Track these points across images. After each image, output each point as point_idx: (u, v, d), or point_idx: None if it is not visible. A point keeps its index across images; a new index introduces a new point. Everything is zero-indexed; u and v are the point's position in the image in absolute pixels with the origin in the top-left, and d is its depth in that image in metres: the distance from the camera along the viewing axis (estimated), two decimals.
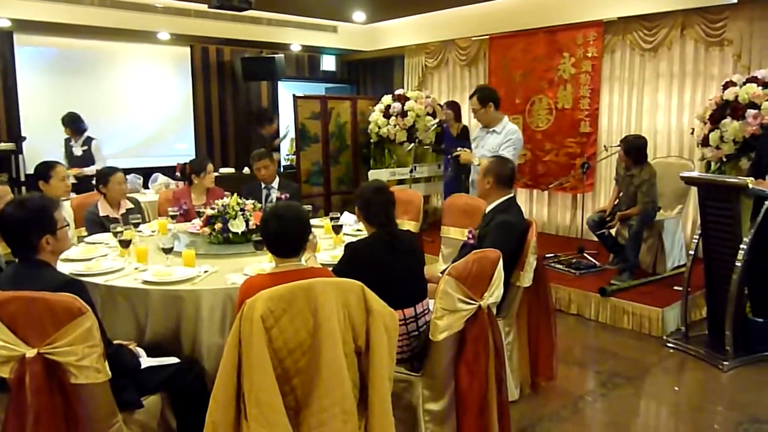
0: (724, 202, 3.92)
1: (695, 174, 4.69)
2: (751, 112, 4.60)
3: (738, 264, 3.79)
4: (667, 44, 5.96)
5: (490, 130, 4.73)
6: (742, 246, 3.80)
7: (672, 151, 5.98)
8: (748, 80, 4.77)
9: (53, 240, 2.31)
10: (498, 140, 4.64)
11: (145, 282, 2.79)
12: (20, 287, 2.09)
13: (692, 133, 5.41)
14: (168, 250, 3.12)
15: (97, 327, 2.07)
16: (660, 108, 6.13)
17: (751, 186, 3.68)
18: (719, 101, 4.89)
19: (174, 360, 2.60)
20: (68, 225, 2.53)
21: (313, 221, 4.17)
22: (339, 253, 2.91)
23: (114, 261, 3.17)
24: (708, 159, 5.07)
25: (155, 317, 2.73)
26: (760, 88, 4.64)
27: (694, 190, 4.68)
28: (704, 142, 5.00)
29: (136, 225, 3.84)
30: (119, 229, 3.38)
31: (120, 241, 3.31)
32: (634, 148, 5.04)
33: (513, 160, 4.19)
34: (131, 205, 4.31)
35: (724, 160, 4.90)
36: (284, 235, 2.36)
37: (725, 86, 4.91)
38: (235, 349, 1.99)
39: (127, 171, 6.55)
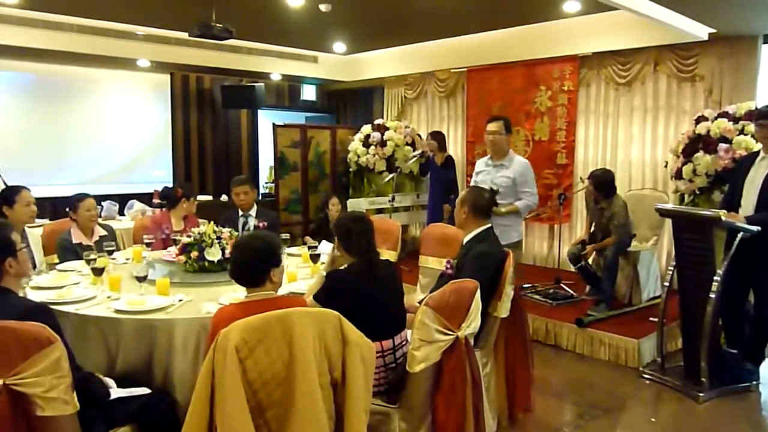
0: (697, 234, 3.99)
1: (669, 206, 4.76)
2: (722, 146, 4.71)
3: (712, 296, 3.84)
4: (640, 79, 6.11)
5: (498, 163, 4.52)
6: (716, 278, 3.85)
7: (646, 183, 6.08)
8: (720, 115, 4.90)
9: (15, 263, 2.28)
10: (508, 174, 4.47)
11: (118, 311, 2.74)
12: None
13: (666, 166, 5.51)
14: (142, 279, 3.06)
15: (66, 357, 2.01)
16: (634, 141, 6.26)
17: (723, 218, 3.74)
18: (692, 135, 5.01)
19: (145, 390, 2.53)
20: (26, 247, 2.47)
21: (290, 250, 4.18)
22: (313, 281, 2.88)
23: (86, 289, 3.10)
24: (681, 191, 5.16)
25: (127, 347, 2.67)
26: (731, 123, 4.77)
27: (668, 221, 4.75)
28: (678, 175, 5.10)
29: (110, 252, 3.77)
30: (92, 256, 3.32)
31: (93, 269, 3.25)
32: (603, 183, 5.08)
33: (536, 195, 4.56)
34: (105, 232, 4.24)
35: (698, 192, 5.00)
36: (246, 266, 2.36)
37: (697, 121, 5.04)
38: (208, 380, 1.94)
39: (102, 197, 6.51)
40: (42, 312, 2.18)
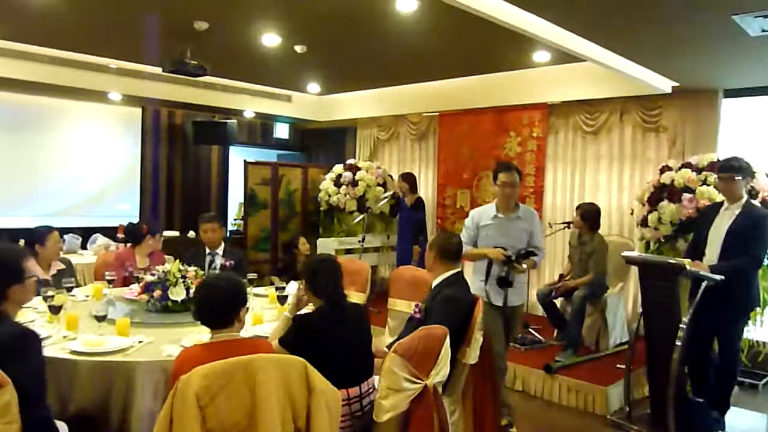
0: (663, 282, 4.02)
1: (636, 254, 4.83)
2: (686, 195, 4.82)
3: (678, 343, 3.86)
4: (607, 128, 6.27)
5: (513, 216, 3.95)
6: (681, 325, 3.88)
7: (613, 230, 6.18)
8: (683, 165, 5.03)
9: (20, 290, 2.27)
10: (525, 227, 3.96)
11: (73, 352, 2.63)
12: None
13: (632, 214, 5.62)
14: (101, 318, 2.96)
15: (16, 402, 1.91)
16: (601, 188, 6.38)
17: (688, 267, 3.80)
18: (657, 184, 5.12)
19: None
20: (35, 276, 2.48)
21: (257, 290, 4.10)
22: (277, 324, 2.82)
23: (42, 328, 2.97)
24: (647, 239, 5.25)
25: (82, 390, 2.56)
26: (694, 173, 4.89)
27: (634, 268, 4.81)
28: (643, 223, 5.19)
29: (69, 289, 3.64)
30: (50, 293, 3.20)
31: (50, 307, 3.13)
32: (590, 213, 5.25)
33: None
34: (63, 266, 4.11)
35: (663, 240, 5.08)
36: (213, 306, 2.32)
37: (662, 170, 5.16)
38: (166, 428, 1.86)
39: (65, 230, 6.35)
40: (29, 339, 2.12)
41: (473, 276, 3.94)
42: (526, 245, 3.87)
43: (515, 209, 3.96)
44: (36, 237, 3.99)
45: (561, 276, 5.48)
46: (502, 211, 3.95)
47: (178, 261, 3.62)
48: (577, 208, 5.42)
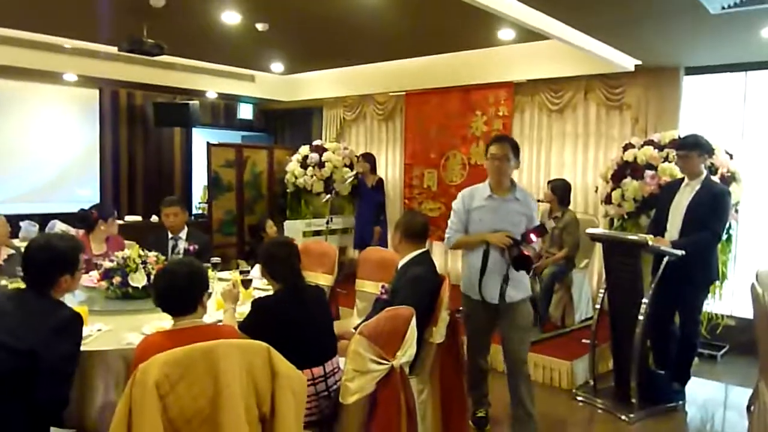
0: (626, 258, 4.09)
1: (600, 231, 4.90)
2: (648, 172, 4.88)
3: (641, 318, 3.93)
4: (572, 106, 6.31)
5: (508, 197, 3.43)
6: (644, 300, 3.95)
7: (578, 207, 6.23)
8: (646, 143, 5.09)
9: (71, 280, 2.44)
10: (523, 210, 3.44)
11: None
12: (28, 318, 2.23)
13: (596, 191, 5.68)
14: None
15: None
16: (566, 166, 6.43)
17: (650, 243, 3.86)
18: (620, 162, 5.18)
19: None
20: (84, 268, 2.66)
21: (221, 274, 4.04)
22: (248, 309, 2.78)
23: None
24: (611, 216, 5.32)
25: None
26: (656, 150, 4.95)
27: (599, 245, 4.87)
28: (607, 200, 5.25)
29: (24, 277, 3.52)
30: (2, 281, 3.09)
31: None
32: (559, 187, 5.33)
33: None
34: (12, 251, 3.97)
35: (626, 217, 5.15)
36: (175, 293, 2.28)
37: (625, 148, 5.22)
38: (125, 418, 1.81)
39: (22, 217, 6.15)
40: (78, 322, 2.33)
41: (466, 269, 3.52)
42: (523, 227, 3.37)
43: (511, 189, 3.43)
44: None
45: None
46: (496, 191, 3.42)
47: (137, 246, 3.52)
48: (548, 182, 5.50)
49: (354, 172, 7.01)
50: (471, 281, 3.46)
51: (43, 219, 6.41)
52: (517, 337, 3.50)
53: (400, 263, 3.34)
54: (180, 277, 2.31)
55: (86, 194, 7.71)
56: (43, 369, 2.14)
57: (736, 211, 4.86)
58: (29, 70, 6.52)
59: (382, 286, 3.37)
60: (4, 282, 3.09)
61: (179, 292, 2.29)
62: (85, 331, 2.67)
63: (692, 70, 5.58)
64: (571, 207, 6.20)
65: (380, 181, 6.95)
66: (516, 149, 3.43)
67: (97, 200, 7.70)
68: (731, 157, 4.85)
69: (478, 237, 3.39)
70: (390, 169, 7.90)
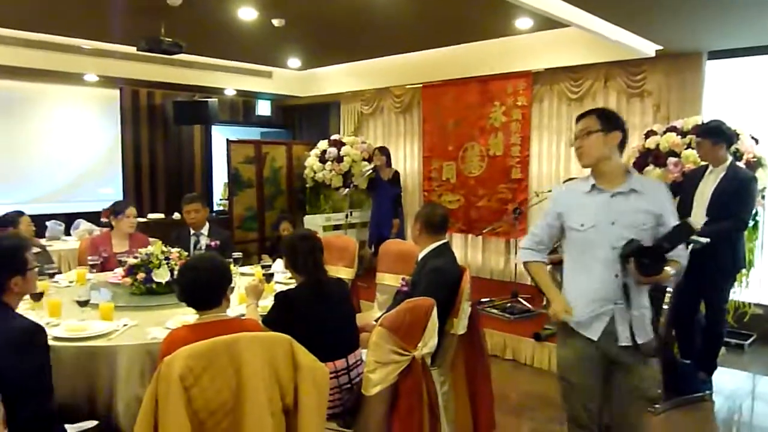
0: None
1: None
2: (671, 159, 4.80)
3: (665, 307, 3.88)
4: (592, 95, 6.23)
5: (621, 189, 2.41)
6: (668, 289, 3.90)
7: None
8: (668, 130, 5.01)
9: (22, 282, 2.23)
10: (645, 207, 2.38)
11: (56, 338, 2.58)
12: None
13: None
14: (84, 303, 2.91)
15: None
16: None
17: None
18: (642, 149, 5.10)
19: (91, 423, 2.39)
20: (38, 267, 2.46)
21: (243, 269, 4.07)
22: (270, 303, 2.80)
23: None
24: None
25: (65, 377, 2.50)
26: (679, 137, 4.87)
27: None
28: None
29: (52, 275, 3.59)
30: None
31: (31, 294, 3.07)
32: None
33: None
34: (38, 249, 4.04)
35: None
36: (199, 287, 2.29)
37: (647, 135, 5.14)
38: (151, 411, 1.84)
39: (47, 217, 6.25)
40: (36, 332, 2.09)
41: (570, 291, 2.49)
42: (651, 235, 2.36)
43: (625, 178, 2.43)
44: (7, 222, 3.93)
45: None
46: (600, 182, 2.46)
47: (160, 242, 3.57)
48: (564, 182, 5.38)
49: (372, 166, 7.02)
50: (585, 310, 2.41)
51: (67, 218, 6.51)
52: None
53: (420, 255, 3.33)
54: (203, 272, 2.32)
55: (109, 193, 7.82)
56: (12, 389, 1.93)
57: (763, 197, 4.76)
58: (50, 71, 6.63)
59: (403, 279, 3.37)
60: None
61: (203, 286, 2.30)
62: (111, 326, 2.73)
63: (715, 54, 5.46)
64: None
65: (396, 174, 6.92)
66: (608, 118, 2.49)
67: (120, 198, 7.81)
68: (757, 142, 4.75)
69: (546, 287, 2.57)
70: (408, 162, 7.89)
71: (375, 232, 6.85)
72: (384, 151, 6.96)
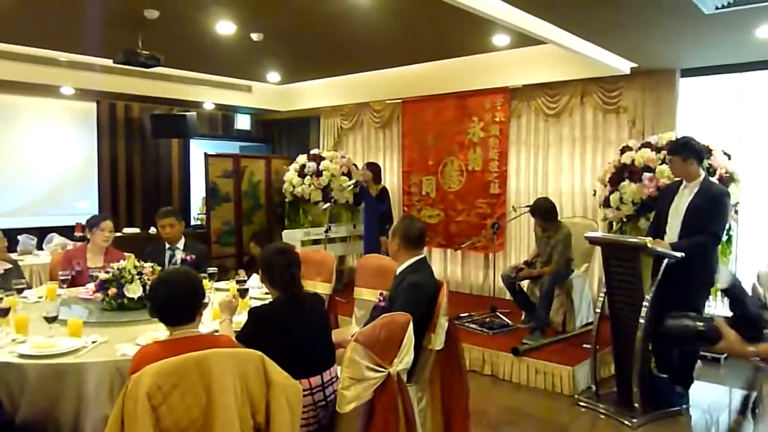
0: (625, 261, 4.07)
1: (598, 234, 4.87)
2: (646, 175, 4.86)
3: (641, 321, 3.90)
4: (568, 111, 6.30)
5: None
6: (644, 303, 3.92)
7: (577, 212, 6.22)
8: (643, 145, 5.07)
9: None
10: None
11: (21, 356, 2.51)
12: None
13: (594, 195, 5.65)
14: (51, 319, 2.84)
15: None
16: (564, 170, 6.41)
17: (649, 245, 3.84)
18: (617, 165, 5.15)
19: None
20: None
21: (218, 284, 4.01)
22: (244, 318, 2.75)
23: None
24: (610, 219, 5.29)
25: (32, 395, 2.44)
26: (654, 152, 4.93)
27: (598, 249, 4.84)
28: (605, 203, 5.22)
29: (20, 291, 3.50)
30: None
31: None
32: (540, 209, 5.26)
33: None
34: (9, 265, 3.95)
35: (625, 220, 5.12)
36: (171, 302, 2.24)
37: (622, 151, 5.20)
38: (117, 430, 1.78)
39: (20, 231, 6.13)
40: None
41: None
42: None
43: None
44: None
45: (526, 262, 5.48)
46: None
47: (133, 257, 3.50)
48: (529, 206, 5.41)
49: (353, 181, 6.99)
50: None
51: (41, 232, 6.39)
52: None
53: (398, 270, 3.31)
54: (176, 286, 2.28)
55: (84, 207, 7.70)
56: None
57: (736, 212, 4.84)
58: (26, 84, 6.54)
59: (380, 294, 3.34)
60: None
61: (175, 301, 2.26)
62: (79, 342, 2.66)
63: (688, 72, 5.57)
64: (569, 211, 6.20)
65: (384, 190, 6.85)
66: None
67: (96, 212, 7.69)
68: (729, 157, 4.83)
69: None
70: (388, 176, 7.89)
71: (366, 249, 6.79)
72: (371, 167, 6.86)
